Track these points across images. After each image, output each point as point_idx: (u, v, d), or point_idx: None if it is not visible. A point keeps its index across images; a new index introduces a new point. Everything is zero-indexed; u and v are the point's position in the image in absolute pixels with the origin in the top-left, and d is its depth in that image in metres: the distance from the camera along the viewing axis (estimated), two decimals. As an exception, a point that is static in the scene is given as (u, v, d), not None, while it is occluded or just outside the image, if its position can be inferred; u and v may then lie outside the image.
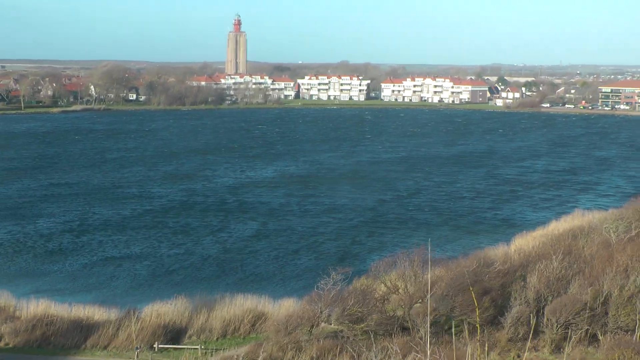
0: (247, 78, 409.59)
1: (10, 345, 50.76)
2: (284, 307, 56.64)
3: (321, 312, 49.99)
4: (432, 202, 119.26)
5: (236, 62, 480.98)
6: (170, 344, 50.99)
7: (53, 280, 75.19)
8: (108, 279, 76.32)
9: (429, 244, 53.57)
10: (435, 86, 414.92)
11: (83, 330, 52.34)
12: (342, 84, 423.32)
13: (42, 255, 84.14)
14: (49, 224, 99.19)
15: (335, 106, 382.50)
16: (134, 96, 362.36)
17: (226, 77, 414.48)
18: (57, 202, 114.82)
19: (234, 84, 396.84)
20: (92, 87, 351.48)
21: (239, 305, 56.59)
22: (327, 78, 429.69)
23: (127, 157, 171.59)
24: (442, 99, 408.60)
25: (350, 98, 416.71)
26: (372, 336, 46.05)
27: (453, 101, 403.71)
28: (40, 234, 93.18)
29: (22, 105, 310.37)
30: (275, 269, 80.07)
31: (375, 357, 41.78)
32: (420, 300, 51.95)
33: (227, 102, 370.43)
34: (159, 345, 50.40)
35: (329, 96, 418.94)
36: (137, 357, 48.51)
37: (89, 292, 71.37)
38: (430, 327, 48.10)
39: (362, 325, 49.51)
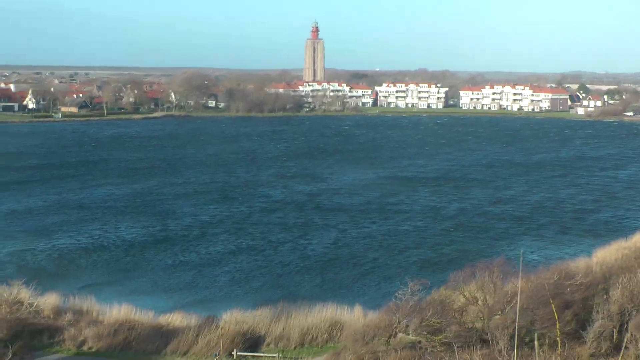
0: (325, 85, 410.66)
1: (94, 349, 51.77)
2: (362, 316, 56.52)
3: (399, 322, 49.74)
4: (514, 211, 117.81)
5: (314, 70, 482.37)
6: (248, 352, 51.32)
7: (135, 285, 76.43)
8: (188, 284, 77.24)
9: (521, 255, 52.73)
10: (515, 94, 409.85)
11: (163, 336, 53.04)
12: (420, 92, 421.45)
13: (124, 260, 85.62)
14: (131, 229, 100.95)
15: (413, 114, 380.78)
16: (213, 103, 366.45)
17: (304, 84, 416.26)
18: (138, 208, 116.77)
19: (312, 91, 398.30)
20: (172, 94, 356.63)
21: (317, 313, 56.66)
22: (405, 85, 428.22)
23: (207, 163, 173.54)
24: (521, 107, 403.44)
25: (429, 106, 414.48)
26: (455, 348, 45.66)
27: (533, 109, 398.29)
28: (122, 239, 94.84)
29: (105, 111, 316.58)
30: (354, 277, 79.99)
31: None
32: (499, 312, 51.35)
33: (304, 109, 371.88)
34: (238, 353, 50.78)
35: (406, 104, 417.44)
36: (216, 363, 48.97)
37: (170, 297, 72.29)
38: (509, 340, 47.46)
39: (441, 337, 49.10)
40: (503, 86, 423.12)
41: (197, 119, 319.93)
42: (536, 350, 47.34)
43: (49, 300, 59.41)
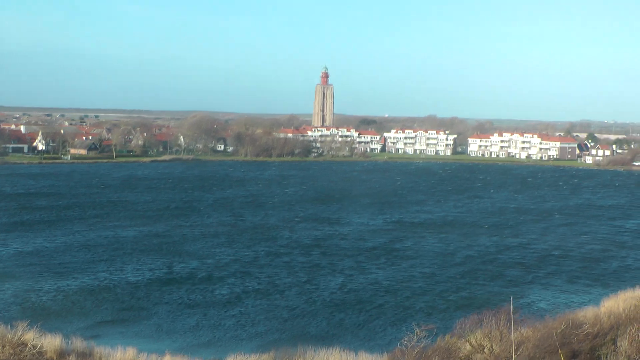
0: (334, 131, 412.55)
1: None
2: (367, 362, 56.09)
3: (405, 369, 49.36)
4: (522, 259, 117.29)
5: (323, 115, 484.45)
6: (252, 397, 50.90)
7: (139, 327, 76.02)
8: (193, 327, 76.80)
9: (511, 303, 52.46)
10: (523, 142, 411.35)
11: (167, 380, 52.66)
12: (428, 138, 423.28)
13: (129, 302, 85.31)
14: (137, 271, 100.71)
15: (421, 160, 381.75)
16: (222, 147, 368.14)
17: (313, 129, 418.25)
18: (144, 250, 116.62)
19: (321, 136, 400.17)
20: (181, 137, 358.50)
21: (323, 359, 56.23)
22: (414, 132, 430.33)
23: (214, 206, 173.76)
24: (529, 155, 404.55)
25: (437, 152, 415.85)
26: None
27: (541, 157, 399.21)
28: (127, 281, 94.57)
29: (114, 154, 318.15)
30: (360, 323, 79.51)
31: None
32: (506, 361, 50.88)
33: (313, 154, 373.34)
34: (242, 398, 50.37)
35: (415, 150, 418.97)
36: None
37: (175, 340, 71.85)
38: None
39: (447, 385, 48.67)
40: (512, 134, 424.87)
41: (205, 162, 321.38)
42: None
43: (53, 342, 59.01)
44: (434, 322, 71.87)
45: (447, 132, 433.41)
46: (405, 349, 50.65)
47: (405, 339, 51.91)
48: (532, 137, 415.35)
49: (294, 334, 73.79)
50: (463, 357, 52.42)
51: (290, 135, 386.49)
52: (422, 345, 50.91)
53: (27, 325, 58.71)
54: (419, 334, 51.48)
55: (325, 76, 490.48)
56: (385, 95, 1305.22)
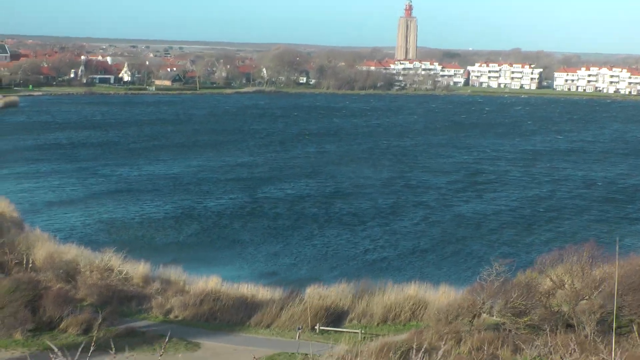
0: (417, 64, 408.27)
1: (180, 318, 52.72)
2: (446, 295, 56.22)
3: (483, 303, 49.31)
4: (610, 194, 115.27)
5: (406, 48, 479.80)
6: (331, 327, 51.57)
7: (222, 256, 77.09)
8: (274, 256, 77.53)
9: (617, 242, 51.37)
10: (612, 76, 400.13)
11: (248, 308, 53.65)
12: (513, 72, 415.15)
13: (213, 231, 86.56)
14: (220, 200, 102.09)
15: (505, 94, 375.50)
16: (304, 79, 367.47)
17: (395, 62, 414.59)
18: (228, 180, 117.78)
19: (403, 69, 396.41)
20: (264, 69, 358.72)
21: (401, 291, 56.55)
22: (498, 66, 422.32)
23: (298, 137, 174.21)
24: (618, 89, 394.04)
25: (521, 87, 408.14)
26: (545, 330, 44.94)
27: (630, 92, 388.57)
28: (211, 210, 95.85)
29: (198, 85, 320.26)
30: (441, 255, 79.30)
31: (540, 352, 40.83)
32: (586, 297, 50.43)
33: (395, 87, 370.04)
34: (320, 327, 51.09)
35: (499, 84, 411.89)
36: (298, 337, 49.34)
37: (255, 269, 72.80)
38: (596, 326, 46.70)
39: (525, 319, 48.45)
40: (599, 68, 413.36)
41: (288, 94, 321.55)
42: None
43: (138, 269, 60.76)
44: (518, 256, 71.63)
45: (532, 65, 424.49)
46: (485, 283, 50.54)
47: (485, 273, 51.77)
48: (621, 71, 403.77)
49: (375, 266, 74.16)
50: (543, 292, 52.07)
51: (372, 68, 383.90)
52: (501, 280, 50.73)
53: (113, 251, 60.50)
54: (498, 268, 51.29)
55: (409, 9, 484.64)
56: (469, 28, 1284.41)
